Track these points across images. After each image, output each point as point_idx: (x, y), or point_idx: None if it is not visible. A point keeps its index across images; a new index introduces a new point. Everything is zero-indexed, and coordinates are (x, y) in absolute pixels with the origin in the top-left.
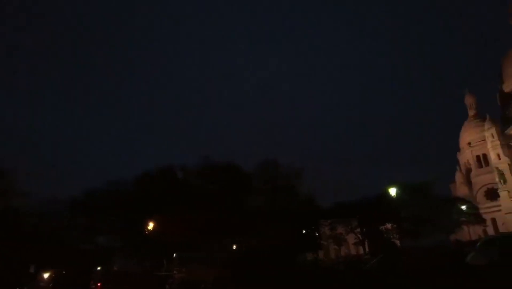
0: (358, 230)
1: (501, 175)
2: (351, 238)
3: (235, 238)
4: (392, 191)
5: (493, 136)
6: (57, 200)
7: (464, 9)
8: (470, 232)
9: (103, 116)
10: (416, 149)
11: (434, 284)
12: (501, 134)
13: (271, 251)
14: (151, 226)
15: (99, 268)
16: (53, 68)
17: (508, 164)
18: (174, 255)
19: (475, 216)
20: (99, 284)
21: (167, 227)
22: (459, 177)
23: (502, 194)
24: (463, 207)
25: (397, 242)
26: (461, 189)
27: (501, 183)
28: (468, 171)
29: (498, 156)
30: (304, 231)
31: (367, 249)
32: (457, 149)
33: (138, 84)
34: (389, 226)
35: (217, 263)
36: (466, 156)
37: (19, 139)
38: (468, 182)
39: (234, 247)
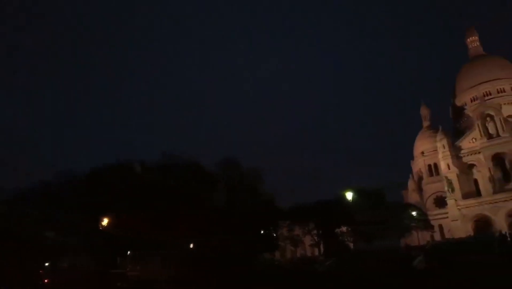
0: (315, 232)
1: (450, 184)
2: (307, 240)
3: (193, 237)
4: (349, 195)
5: (444, 147)
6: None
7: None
8: (419, 237)
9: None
10: (377, 155)
11: (382, 285)
12: (452, 145)
13: (229, 251)
14: (105, 221)
15: (47, 264)
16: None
17: (457, 174)
18: (128, 252)
19: (424, 222)
20: (46, 281)
21: (123, 224)
22: (411, 184)
23: (450, 202)
24: (414, 213)
25: (351, 244)
26: (412, 196)
27: (449, 192)
28: (420, 178)
29: (448, 166)
30: (262, 232)
31: (322, 251)
32: (412, 157)
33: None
34: (344, 229)
35: (173, 262)
36: (419, 164)
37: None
38: (420, 189)
39: (191, 245)
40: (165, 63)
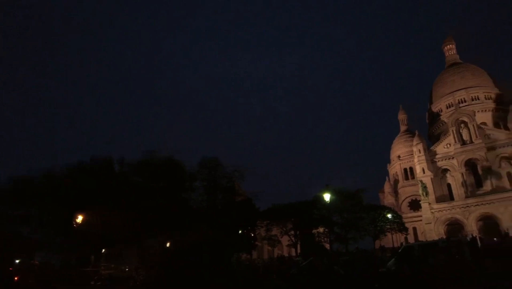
0: (292, 232)
1: (424, 187)
2: (285, 240)
3: (171, 235)
4: (326, 196)
5: (419, 152)
6: None
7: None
8: (393, 239)
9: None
10: (357, 158)
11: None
12: (427, 150)
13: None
14: (80, 219)
15: (17, 261)
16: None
17: (431, 178)
18: (103, 250)
19: (399, 224)
20: (16, 278)
21: (98, 221)
22: (387, 187)
23: (424, 205)
24: (389, 215)
25: (327, 245)
26: (388, 198)
27: (423, 195)
28: (396, 182)
29: (423, 170)
30: (240, 231)
31: (299, 251)
32: (389, 160)
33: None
34: (321, 229)
35: (149, 260)
36: (395, 167)
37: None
38: (395, 192)
39: (168, 244)
40: (152, 61)
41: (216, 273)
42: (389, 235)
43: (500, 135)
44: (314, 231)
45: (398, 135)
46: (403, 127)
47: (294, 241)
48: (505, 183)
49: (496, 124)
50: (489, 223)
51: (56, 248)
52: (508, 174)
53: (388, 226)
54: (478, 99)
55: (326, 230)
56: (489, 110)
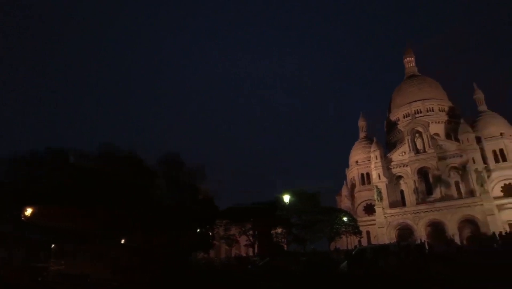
0: (251, 232)
1: (379, 193)
2: (243, 240)
3: (127, 232)
4: (286, 198)
5: (376, 158)
6: None
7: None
8: (348, 241)
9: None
10: (319, 162)
11: (309, 285)
12: (384, 157)
13: (165, 249)
14: (29, 211)
15: None
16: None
17: (386, 184)
18: (53, 245)
19: (354, 227)
20: None
21: (50, 215)
22: (344, 191)
23: (378, 210)
24: (345, 218)
25: (285, 246)
26: (345, 202)
27: (378, 200)
28: (353, 186)
29: (379, 176)
30: (198, 230)
31: (256, 251)
32: (348, 165)
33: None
34: (279, 230)
35: (104, 257)
36: (353, 172)
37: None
38: (352, 196)
39: (123, 241)
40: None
41: (175, 271)
42: (344, 237)
43: (451, 146)
44: (273, 231)
45: (357, 141)
46: (362, 134)
47: (252, 241)
48: (453, 191)
49: (448, 136)
50: (437, 228)
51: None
52: (456, 183)
53: (344, 229)
54: (433, 111)
55: (285, 230)
56: (442, 122)
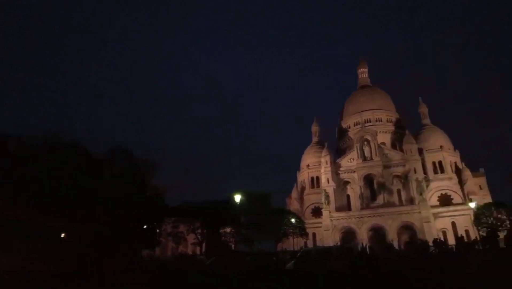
0: (200, 230)
1: (327, 196)
2: (191, 238)
3: (68, 225)
4: (237, 198)
5: (326, 163)
6: None
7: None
8: (294, 243)
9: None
10: (274, 164)
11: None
12: (334, 162)
13: (108, 244)
14: None
15: None
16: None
17: (334, 188)
18: None
19: (301, 229)
20: None
21: None
22: (294, 193)
23: (324, 213)
24: (293, 220)
25: (233, 245)
26: (294, 204)
27: (325, 204)
28: (303, 189)
29: (328, 180)
30: (145, 226)
31: (204, 250)
32: (299, 168)
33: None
34: (228, 229)
35: (36, 251)
36: (304, 175)
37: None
38: (301, 199)
39: (63, 235)
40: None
41: (117, 268)
42: (291, 238)
43: (395, 155)
44: (222, 230)
45: (310, 145)
46: (315, 139)
47: (200, 239)
48: (395, 198)
49: (393, 146)
50: (378, 233)
51: None
52: (398, 190)
53: (291, 230)
54: (381, 121)
55: (234, 230)
56: (389, 132)
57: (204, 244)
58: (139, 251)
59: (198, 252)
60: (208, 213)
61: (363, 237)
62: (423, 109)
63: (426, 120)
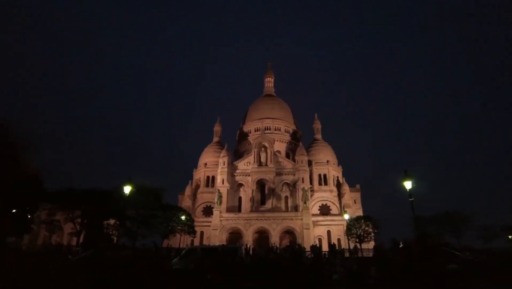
0: (79, 220)
1: (220, 197)
2: (68, 227)
3: None
4: (126, 189)
5: (224, 164)
6: None
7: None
8: (182, 240)
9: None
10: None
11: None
12: (231, 164)
13: None
14: None
15: None
16: None
17: (228, 189)
18: None
19: (189, 227)
20: None
21: None
22: (188, 190)
23: (215, 212)
24: (183, 217)
25: (115, 238)
26: (186, 201)
27: (217, 204)
28: (198, 187)
29: (223, 181)
30: (14, 211)
31: (81, 241)
32: (197, 166)
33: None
34: (112, 221)
35: None
36: (200, 173)
37: None
38: (194, 196)
39: None
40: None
41: None
42: (178, 235)
43: (287, 164)
44: (105, 222)
45: (210, 144)
46: (216, 138)
47: (78, 229)
48: (283, 204)
49: (287, 155)
50: (262, 236)
51: None
52: (286, 197)
53: (180, 227)
54: (280, 130)
55: (118, 222)
56: (285, 141)
57: (83, 235)
58: (3, 237)
59: (74, 242)
60: (90, 202)
61: (249, 238)
62: (317, 125)
63: (318, 136)
